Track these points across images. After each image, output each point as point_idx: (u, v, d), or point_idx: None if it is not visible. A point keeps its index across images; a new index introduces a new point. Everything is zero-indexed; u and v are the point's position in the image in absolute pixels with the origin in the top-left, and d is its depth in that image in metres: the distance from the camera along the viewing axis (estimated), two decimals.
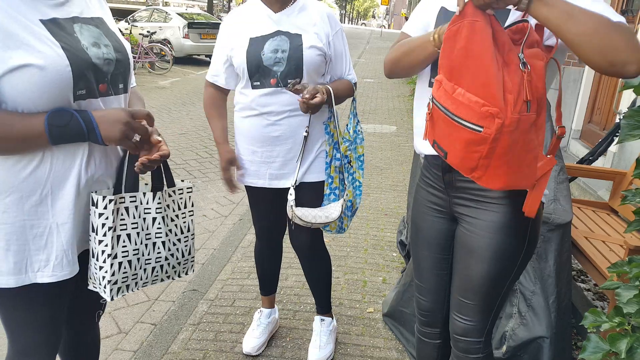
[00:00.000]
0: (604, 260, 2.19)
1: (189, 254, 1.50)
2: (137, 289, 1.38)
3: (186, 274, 1.52)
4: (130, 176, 1.32)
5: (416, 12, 1.51)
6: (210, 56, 14.17)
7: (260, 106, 1.85)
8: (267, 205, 2.07)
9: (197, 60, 13.60)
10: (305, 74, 1.80)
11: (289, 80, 1.80)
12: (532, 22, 1.15)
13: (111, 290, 1.29)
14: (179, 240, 1.46)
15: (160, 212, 1.39)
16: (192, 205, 1.50)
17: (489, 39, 1.06)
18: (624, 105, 4.14)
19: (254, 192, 2.06)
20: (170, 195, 1.44)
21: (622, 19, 1.07)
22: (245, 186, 2.05)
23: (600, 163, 4.00)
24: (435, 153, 1.35)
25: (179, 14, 13.01)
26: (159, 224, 1.39)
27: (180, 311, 2.58)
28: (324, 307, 2.31)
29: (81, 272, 1.31)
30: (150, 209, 1.37)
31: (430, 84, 1.39)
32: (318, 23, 1.84)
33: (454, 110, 1.11)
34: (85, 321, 1.54)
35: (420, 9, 1.50)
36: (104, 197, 1.24)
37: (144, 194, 1.35)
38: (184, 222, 1.48)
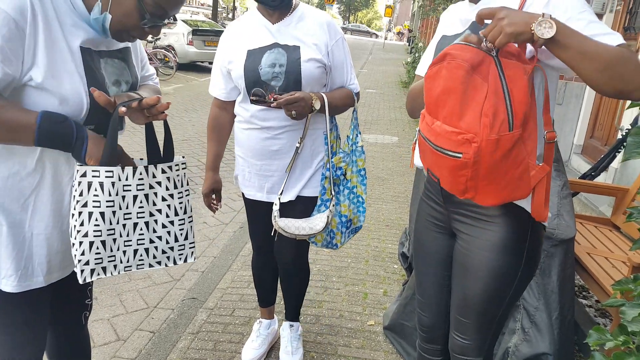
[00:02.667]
0: (607, 277, 2.18)
1: (185, 238, 1.35)
2: (118, 272, 1.24)
3: (184, 261, 1.36)
4: (106, 150, 1.18)
5: (426, 53, 1.55)
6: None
7: (259, 120, 1.82)
8: (264, 218, 2.04)
9: (200, 67, 13.65)
10: (305, 88, 1.77)
11: (251, 98, 1.78)
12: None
13: (82, 270, 1.18)
14: (171, 222, 1.31)
15: (143, 190, 1.24)
16: (187, 184, 1.35)
17: (463, 75, 1.10)
18: (626, 122, 4.15)
19: (252, 205, 2.04)
20: (164, 172, 1.29)
21: (619, 38, 1.11)
22: (244, 198, 2.04)
23: (602, 179, 4.00)
24: None
25: (183, 20, 13.07)
26: (141, 202, 1.24)
27: (179, 319, 2.56)
28: (293, 315, 2.31)
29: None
30: (130, 186, 1.22)
31: None
32: (317, 33, 1.80)
33: (435, 141, 1.17)
34: (71, 323, 1.51)
35: (428, 50, 1.54)
36: (77, 171, 1.16)
37: (123, 169, 1.20)
38: (180, 203, 1.32)
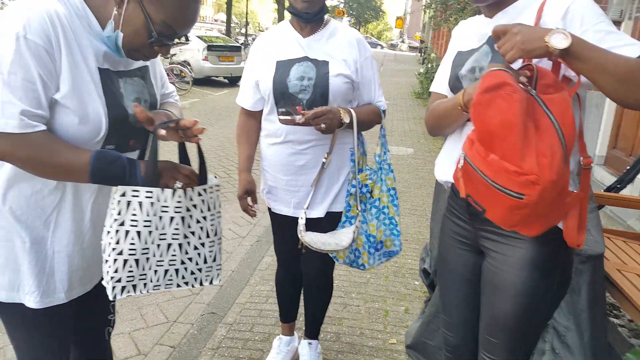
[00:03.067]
0: None
1: (214, 260, 1.34)
2: (147, 291, 1.24)
3: (210, 282, 1.35)
4: (149, 170, 1.20)
5: (440, 69, 1.53)
6: (228, 78, 14.16)
7: (285, 133, 1.83)
8: (290, 232, 2.02)
9: (215, 82, 13.77)
10: (332, 102, 1.78)
11: (280, 118, 1.75)
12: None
13: (114, 287, 1.18)
14: (202, 244, 1.30)
15: (180, 212, 1.23)
16: (220, 206, 1.34)
17: (522, 109, 1.07)
18: None
19: (278, 219, 2.03)
20: (200, 195, 1.28)
21: (639, 48, 1.09)
22: (270, 212, 2.03)
23: (627, 191, 3.92)
24: None
25: (198, 36, 13.23)
26: (177, 224, 1.23)
27: (199, 334, 2.54)
28: (314, 332, 2.29)
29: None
30: (168, 207, 1.21)
31: None
32: (347, 49, 1.82)
33: (492, 177, 1.11)
34: (94, 339, 1.51)
35: (443, 66, 1.52)
36: (117, 190, 1.16)
37: (162, 190, 1.20)
38: (212, 225, 1.31)
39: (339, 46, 1.82)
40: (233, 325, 2.64)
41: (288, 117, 1.72)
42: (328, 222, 1.88)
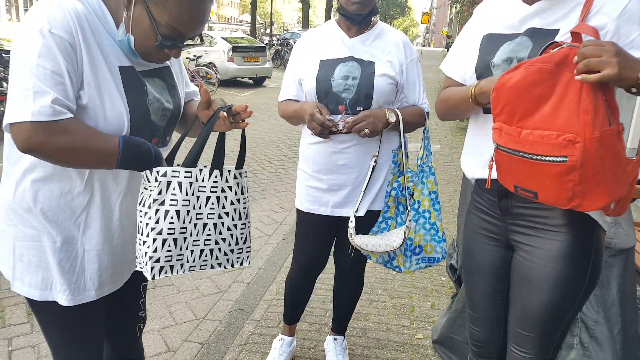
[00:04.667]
0: None
1: (244, 242, 1.39)
2: (183, 271, 1.26)
3: (241, 264, 1.40)
4: (193, 152, 1.25)
5: (455, 50, 1.49)
6: (253, 79, 14.25)
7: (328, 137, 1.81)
8: (320, 234, 2.02)
9: (241, 83, 13.93)
10: (375, 103, 1.77)
11: (339, 129, 1.75)
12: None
13: (152, 268, 1.19)
14: (235, 225, 1.35)
15: (216, 192, 1.29)
16: (247, 191, 1.41)
17: (547, 73, 1.05)
18: None
19: (308, 219, 1.99)
20: (235, 177, 1.34)
21: None
22: (300, 212, 2.01)
23: None
24: (486, 177, 1.31)
25: (223, 38, 13.40)
26: (213, 204, 1.29)
27: (227, 331, 2.59)
28: (341, 327, 2.29)
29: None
30: (205, 187, 1.27)
31: (485, 110, 1.36)
32: (393, 51, 1.82)
33: (530, 150, 1.09)
34: (126, 335, 1.55)
35: (458, 46, 1.48)
36: (158, 172, 1.19)
37: (200, 170, 1.26)
38: (244, 208, 1.38)
39: (385, 48, 1.82)
40: (260, 321, 2.67)
41: (331, 128, 1.74)
42: (367, 221, 1.87)
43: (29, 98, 1.03)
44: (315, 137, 1.85)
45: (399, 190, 1.85)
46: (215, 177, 1.29)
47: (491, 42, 1.33)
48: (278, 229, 4.05)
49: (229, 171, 1.32)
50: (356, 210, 1.85)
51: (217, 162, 1.34)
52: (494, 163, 1.23)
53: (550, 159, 1.05)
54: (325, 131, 1.74)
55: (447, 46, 29.36)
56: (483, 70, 1.33)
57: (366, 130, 1.71)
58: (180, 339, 2.54)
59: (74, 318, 1.28)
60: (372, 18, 1.84)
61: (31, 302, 1.27)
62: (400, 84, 1.83)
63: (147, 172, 1.19)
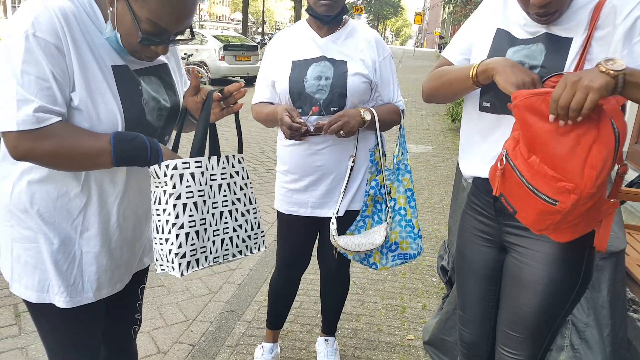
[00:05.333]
0: None
1: (258, 227, 1.39)
2: (208, 264, 1.25)
3: (258, 249, 1.39)
4: (197, 140, 1.24)
5: (459, 36, 1.47)
6: (244, 77, 14.14)
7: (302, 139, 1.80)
8: (299, 235, 2.02)
9: (232, 82, 13.84)
10: (349, 102, 1.77)
11: (310, 130, 1.74)
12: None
13: (180, 264, 1.17)
14: (247, 211, 1.35)
15: (226, 179, 1.29)
16: (249, 177, 1.41)
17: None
18: None
19: (288, 220, 1.99)
20: (239, 162, 1.35)
21: None
22: (280, 214, 2.00)
23: None
24: (486, 177, 1.31)
25: (214, 36, 13.33)
26: (225, 191, 1.29)
27: (217, 332, 2.57)
28: (330, 328, 2.28)
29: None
30: (215, 175, 1.27)
31: (481, 107, 1.35)
32: (365, 49, 1.81)
33: (529, 179, 1.10)
34: (122, 338, 1.54)
35: (464, 33, 1.46)
36: (167, 166, 1.16)
37: (209, 158, 1.26)
38: (252, 193, 1.38)
39: (357, 46, 1.81)
40: (251, 322, 2.66)
41: (301, 133, 1.72)
42: (346, 221, 1.88)
43: (13, 107, 1.02)
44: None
45: (377, 189, 1.86)
46: (223, 163, 1.29)
47: (505, 39, 1.30)
48: (269, 229, 4.04)
49: (234, 156, 1.33)
50: (337, 212, 1.85)
51: (215, 150, 1.34)
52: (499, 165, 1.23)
53: (543, 197, 1.08)
54: (295, 134, 1.72)
55: (440, 47, 29.49)
56: None
57: (341, 132, 1.70)
58: (170, 340, 2.52)
59: (71, 320, 1.27)
60: (343, 17, 1.82)
61: (28, 304, 1.25)
62: (374, 82, 1.82)
63: (156, 167, 1.17)
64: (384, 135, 1.92)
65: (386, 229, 1.82)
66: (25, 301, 1.24)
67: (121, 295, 1.38)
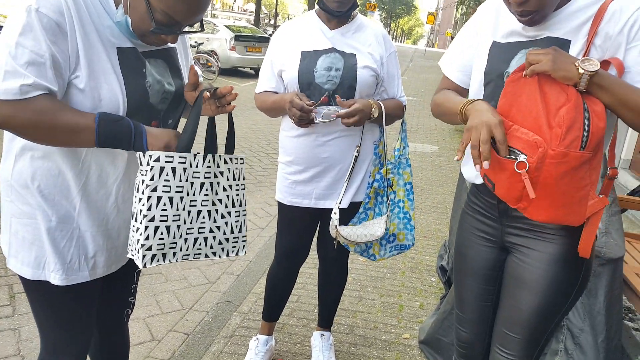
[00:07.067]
0: None
1: (239, 231, 1.37)
2: (176, 260, 1.23)
3: (236, 254, 1.37)
4: (184, 136, 1.22)
5: (455, 50, 1.47)
6: (254, 69, 14.12)
7: (308, 126, 1.80)
8: (301, 226, 2.02)
9: (242, 73, 13.87)
10: (358, 94, 1.78)
11: (319, 116, 1.75)
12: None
13: (144, 256, 1.16)
14: (229, 213, 1.33)
15: (209, 178, 1.27)
16: (244, 179, 1.39)
17: (541, 85, 1.14)
18: None
19: (290, 212, 1.99)
20: (226, 162, 1.32)
21: None
22: (282, 205, 2.00)
23: None
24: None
25: (226, 26, 13.32)
26: (207, 190, 1.26)
27: (213, 322, 2.58)
28: (326, 321, 2.29)
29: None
30: (199, 173, 1.24)
31: None
32: (373, 43, 1.83)
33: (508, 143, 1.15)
34: (113, 320, 1.55)
35: (459, 46, 1.46)
36: (151, 156, 1.16)
37: (195, 155, 1.23)
38: (237, 195, 1.36)
39: (366, 40, 1.83)
40: (248, 314, 2.67)
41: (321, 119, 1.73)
42: (349, 212, 1.89)
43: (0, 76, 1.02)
44: (297, 130, 1.84)
45: (381, 182, 1.88)
46: (209, 162, 1.27)
47: (504, 50, 1.31)
48: (271, 222, 4.04)
49: (220, 156, 1.31)
50: (339, 202, 1.86)
51: (211, 147, 1.33)
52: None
53: (514, 151, 1.13)
54: (305, 117, 1.72)
55: None
56: (494, 78, 1.32)
57: (353, 119, 1.71)
58: (165, 328, 2.54)
59: (65, 298, 1.28)
60: (353, 12, 1.83)
61: (23, 280, 1.26)
62: (380, 76, 1.84)
63: (141, 155, 1.17)
64: (385, 129, 1.92)
65: (386, 221, 1.83)
66: (20, 277, 1.25)
67: (116, 276, 1.39)
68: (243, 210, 1.38)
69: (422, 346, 2.42)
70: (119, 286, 1.49)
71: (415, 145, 7.03)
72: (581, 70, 1.06)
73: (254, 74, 13.70)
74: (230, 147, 1.39)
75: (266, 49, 13.51)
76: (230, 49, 12.67)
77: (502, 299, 1.41)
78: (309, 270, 3.09)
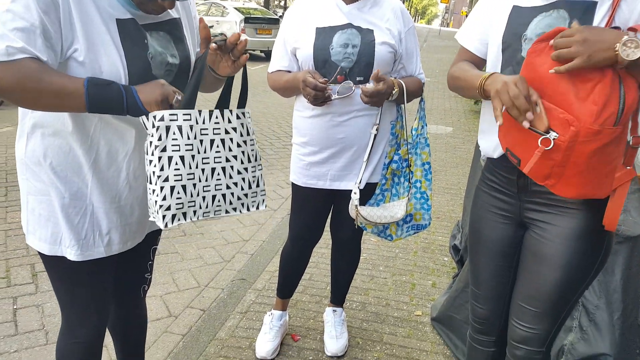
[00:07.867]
0: None
1: (257, 185, 1.35)
2: (197, 218, 1.22)
3: (257, 208, 1.36)
4: (187, 92, 1.19)
5: (473, 19, 1.44)
6: (264, 51, 14.02)
7: (325, 107, 1.76)
8: (315, 207, 2.01)
9: (252, 55, 13.78)
10: (374, 71, 1.72)
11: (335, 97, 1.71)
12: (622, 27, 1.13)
13: (164, 216, 1.16)
14: (245, 169, 1.31)
15: (219, 135, 1.24)
16: (254, 133, 1.36)
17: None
18: None
19: (305, 193, 1.97)
20: (238, 117, 1.29)
21: None
22: (296, 187, 1.98)
23: None
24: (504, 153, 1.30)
25: (236, 8, 13.23)
26: (218, 147, 1.24)
27: (228, 299, 2.62)
28: (339, 298, 2.30)
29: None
30: (207, 129, 1.21)
31: None
32: (391, 19, 1.77)
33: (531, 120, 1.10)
34: (131, 295, 1.58)
35: (478, 15, 1.43)
36: (155, 117, 1.13)
37: (200, 112, 1.20)
38: (252, 150, 1.33)
39: (383, 16, 1.77)
40: (262, 291, 2.70)
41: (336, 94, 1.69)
42: (365, 193, 1.87)
43: None
44: (312, 110, 1.80)
45: (400, 163, 1.84)
46: (217, 118, 1.24)
47: (523, 13, 1.28)
48: (284, 204, 4.06)
49: (231, 111, 1.28)
50: (360, 182, 1.84)
51: (222, 103, 1.31)
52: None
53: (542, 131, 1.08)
54: (320, 96, 1.68)
55: None
56: (512, 41, 1.29)
57: (374, 99, 1.67)
58: (182, 305, 2.58)
59: (82, 274, 1.30)
60: None
61: (42, 256, 1.29)
62: (398, 53, 1.79)
63: (144, 119, 1.15)
64: (404, 108, 1.90)
65: (406, 204, 1.81)
66: (39, 253, 1.28)
67: (132, 253, 1.41)
68: (259, 165, 1.36)
69: (434, 323, 2.43)
70: (135, 263, 1.51)
71: (430, 126, 6.97)
72: (622, 58, 0.98)
73: (264, 56, 13.62)
74: (242, 102, 1.35)
75: (276, 31, 13.54)
76: (240, 32, 12.59)
77: (520, 274, 1.40)
78: (322, 250, 3.10)
